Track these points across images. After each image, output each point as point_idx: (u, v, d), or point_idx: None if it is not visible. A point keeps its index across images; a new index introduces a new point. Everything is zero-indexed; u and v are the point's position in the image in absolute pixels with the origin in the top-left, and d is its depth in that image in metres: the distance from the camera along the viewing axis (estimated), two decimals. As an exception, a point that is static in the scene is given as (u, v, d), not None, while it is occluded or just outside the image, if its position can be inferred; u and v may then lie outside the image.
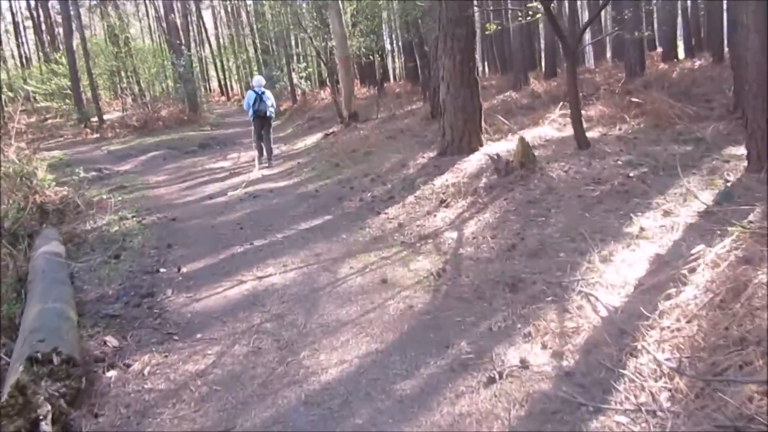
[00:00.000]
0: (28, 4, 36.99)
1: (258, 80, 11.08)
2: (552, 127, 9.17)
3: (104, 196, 9.28)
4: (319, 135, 13.75)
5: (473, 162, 7.11)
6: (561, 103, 10.33)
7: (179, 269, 4.98)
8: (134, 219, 7.39)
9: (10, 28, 40.85)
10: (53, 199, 8.88)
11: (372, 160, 8.83)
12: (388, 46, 28.64)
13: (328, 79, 26.04)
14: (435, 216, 5.68)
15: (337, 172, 8.69)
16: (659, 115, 8.61)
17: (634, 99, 9.42)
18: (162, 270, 5.00)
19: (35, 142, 20.04)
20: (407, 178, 7.24)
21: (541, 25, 23.53)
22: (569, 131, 8.76)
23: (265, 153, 10.99)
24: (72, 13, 24.19)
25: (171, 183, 10.28)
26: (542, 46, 26.10)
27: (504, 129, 9.27)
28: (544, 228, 4.74)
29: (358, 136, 10.91)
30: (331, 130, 13.57)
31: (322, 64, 31.69)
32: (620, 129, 8.45)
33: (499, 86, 16.90)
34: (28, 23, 38.42)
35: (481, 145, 7.68)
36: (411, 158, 8.13)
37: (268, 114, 10.71)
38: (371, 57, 20.51)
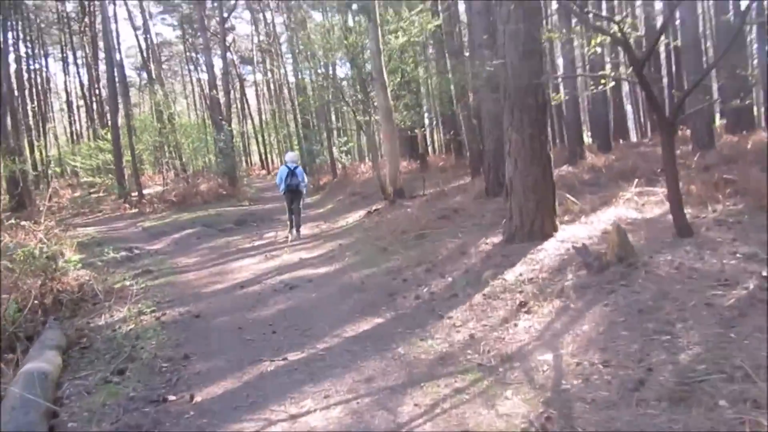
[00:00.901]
0: (81, 84, 38.56)
1: (290, 156, 11.55)
2: (630, 208, 7.99)
3: (127, 283, 8.43)
4: (362, 212, 12.84)
5: (550, 252, 5.96)
6: (636, 180, 9.19)
7: (192, 398, 3.87)
8: (153, 314, 6.42)
9: (65, 106, 42.59)
10: (72, 286, 8.06)
11: (425, 245, 7.75)
12: (425, 120, 28.29)
13: (369, 154, 25.65)
14: (515, 325, 4.49)
15: (384, 259, 7.62)
16: (761, 196, 7.36)
17: (726, 176, 8.21)
18: (171, 398, 3.90)
19: (71, 219, 19.84)
20: (470, 269, 6.11)
21: (583, 97, 22.68)
22: (651, 212, 7.61)
23: (294, 226, 11.23)
24: (119, 91, 24.65)
25: (201, 266, 9.38)
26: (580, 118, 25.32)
27: (574, 210, 8.14)
28: (675, 352, 3.51)
29: (406, 215, 9.91)
30: (374, 207, 12.66)
31: (362, 138, 31.63)
32: (714, 211, 7.21)
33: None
34: (81, 102, 39.88)
35: (556, 231, 6.54)
36: (471, 244, 7.02)
37: (299, 188, 11.07)
38: (415, 131, 19.94)
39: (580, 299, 4.63)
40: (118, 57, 31.75)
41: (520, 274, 5.55)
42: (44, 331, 5.41)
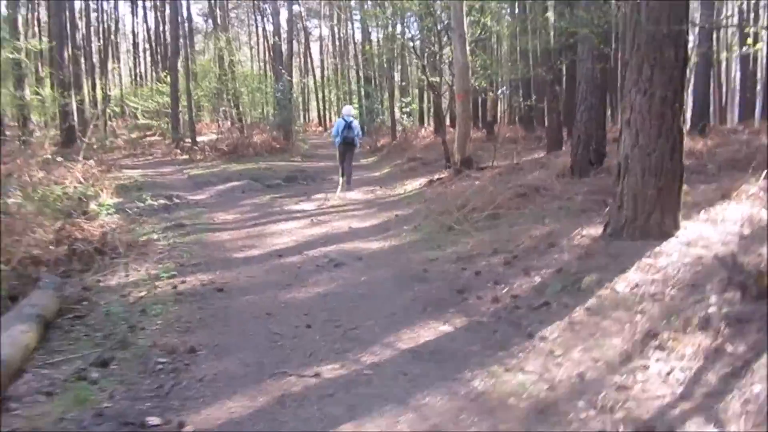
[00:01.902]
0: (147, 27, 38.24)
1: (348, 109, 11.73)
2: (756, 205, 6.37)
3: (154, 236, 7.50)
4: (422, 180, 11.52)
5: (674, 258, 4.51)
6: (765, 171, 7.50)
7: (180, 426, 2.75)
8: (171, 280, 5.38)
9: (131, 48, 42.61)
10: (93, 234, 7.15)
11: (500, 228, 6.40)
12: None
13: (433, 116, 24.12)
14: (645, 368, 3.13)
15: (451, 240, 6.31)
16: None
17: None
18: (152, 421, 2.78)
19: (121, 159, 19.37)
20: (565, 269, 4.74)
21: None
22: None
23: (345, 177, 11.33)
24: (181, 33, 23.82)
25: (240, 225, 8.35)
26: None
27: (687, 201, 6.59)
28: None
29: (476, 189, 8.53)
30: (437, 176, 11.32)
31: (425, 101, 30.00)
32: None
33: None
34: (147, 45, 39.63)
35: (677, 229, 5.07)
36: (562, 234, 5.62)
37: (354, 142, 11.19)
38: (485, 95, 18.31)
39: (738, 338, 3.23)
40: (185, 1, 31.05)
41: (637, 285, 4.15)
42: (32, 293, 4.42)
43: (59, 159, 11.43)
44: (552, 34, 11.31)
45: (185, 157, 19.83)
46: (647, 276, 4.29)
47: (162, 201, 10.40)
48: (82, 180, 10.70)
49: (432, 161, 14.30)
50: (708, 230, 5.21)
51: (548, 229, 5.84)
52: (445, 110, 15.16)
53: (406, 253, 6.05)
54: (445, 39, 13.15)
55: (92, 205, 9.33)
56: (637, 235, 5.00)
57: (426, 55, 13.99)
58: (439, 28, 13.04)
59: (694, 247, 4.70)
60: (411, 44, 17.41)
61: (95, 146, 20.42)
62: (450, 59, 12.90)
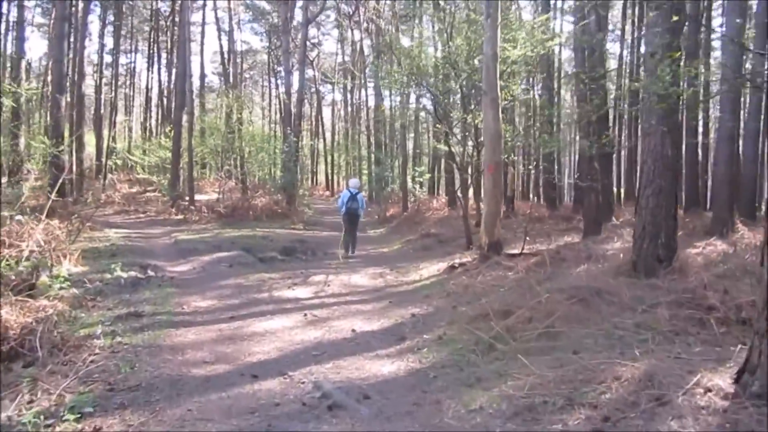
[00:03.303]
0: (160, 82, 37.90)
1: (353, 182, 12.53)
2: None
3: (98, 330, 5.75)
4: (441, 264, 9.74)
5: None
6: None
7: None
8: (78, 425, 3.57)
9: (144, 101, 42.27)
10: (13, 328, 5.39)
11: (563, 355, 4.53)
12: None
13: (446, 188, 22.63)
14: None
15: (495, 371, 4.44)
16: None
17: None
18: None
19: (111, 216, 17.89)
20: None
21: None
22: None
23: (350, 246, 11.65)
24: (187, 87, 22.80)
25: (213, 318, 6.56)
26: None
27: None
28: None
29: (511, 285, 6.78)
30: (459, 260, 9.57)
31: (437, 170, 28.69)
32: None
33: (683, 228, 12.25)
34: (159, 99, 39.13)
35: None
36: (669, 380, 3.74)
37: (357, 212, 11.61)
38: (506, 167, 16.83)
39: None
40: (199, 59, 30.52)
41: None
42: None
43: (19, 218, 9.76)
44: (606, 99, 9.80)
45: (180, 217, 18.34)
46: None
47: (133, 273, 8.77)
48: (41, 243, 9.02)
49: (449, 239, 12.63)
50: None
51: (642, 369, 3.99)
52: (468, 182, 13.59)
53: (432, 390, 4.18)
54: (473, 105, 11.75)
55: (43, 277, 7.65)
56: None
57: (447, 121, 12.53)
58: (464, 91, 11.65)
59: None
60: (428, 108, 16.14)
61: (86, 201, 18.99)
62: (470, 125, 11.47)
